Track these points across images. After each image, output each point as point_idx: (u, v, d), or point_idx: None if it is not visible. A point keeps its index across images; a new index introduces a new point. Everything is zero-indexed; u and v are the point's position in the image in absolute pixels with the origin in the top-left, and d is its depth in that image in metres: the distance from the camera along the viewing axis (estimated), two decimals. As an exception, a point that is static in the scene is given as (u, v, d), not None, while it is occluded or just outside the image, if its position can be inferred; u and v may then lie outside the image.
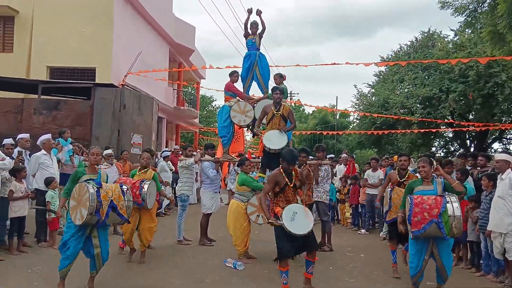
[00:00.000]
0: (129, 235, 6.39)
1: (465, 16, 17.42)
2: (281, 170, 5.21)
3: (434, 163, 5.29)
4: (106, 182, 5.16)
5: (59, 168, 8.02)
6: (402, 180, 6.10)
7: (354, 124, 33.35)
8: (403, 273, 6.11)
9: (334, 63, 12.61)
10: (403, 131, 21.64)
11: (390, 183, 6.41)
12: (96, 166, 5.20)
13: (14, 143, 7.35)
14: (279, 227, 4.97)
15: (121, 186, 5.13)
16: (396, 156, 10.28)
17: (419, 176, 5.41)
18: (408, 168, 6.38)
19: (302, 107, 53.30)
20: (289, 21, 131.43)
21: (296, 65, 13.12)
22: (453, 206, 4.79)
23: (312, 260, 5.16)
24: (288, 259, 5.19)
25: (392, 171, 6.92)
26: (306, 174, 6.81)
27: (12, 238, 6.58)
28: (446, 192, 5.13)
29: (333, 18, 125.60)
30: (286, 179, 5.18)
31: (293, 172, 5.26)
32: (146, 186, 6.17)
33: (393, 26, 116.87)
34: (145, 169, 6.56)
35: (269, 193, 5.26)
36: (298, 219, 4.95)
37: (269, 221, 5.05)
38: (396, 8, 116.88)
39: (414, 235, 4.94)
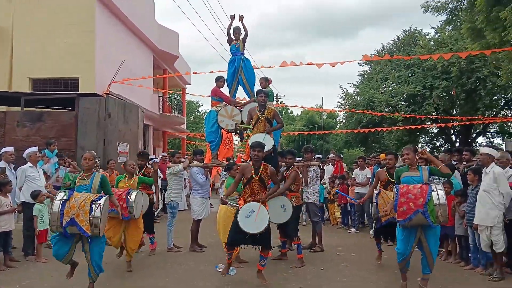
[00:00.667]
0: (117, 243, 6.40)
1: (445, 14, 17.75)
2: (251, 163, 5.57)
3: (418, 149, 5.36)
4: (102, 185, 5.13)
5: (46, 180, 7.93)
6: (392, 179, 6.08)
7: (341, 124, 33.58)
8: (395, 269, 6.17)
9: (319, 64, 12.69)
10: (389, 128, 21.87)
11: (379, 182, 6.46)
12: (89, 171, 5.15)
13: None
14: (235, 221, 5.37)
15: (94, 201, 4.87)
16: (383, 154, 10.38)
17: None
18: (395, 166, 6.43)
19: (289, 109, 53.55)
20: (272, 24, 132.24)
21: (281, 65, 13.09)
22: (438, 194, 4.85)
23: (264, 255, 5.55)
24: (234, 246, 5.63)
25: (380, 169, 6.96)
26: (294, 175, 6.85)
27: (-1, 253, 6.49)
28: (432, 178, 5.19)
29: (316, 20, 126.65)
30: (253, 172, 5.51)
31: (261, 167, 5.56)
32: (133, 198, 6.11)
33: (375, 27, 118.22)
34: (131, 176, 6.62)
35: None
36: (253, 218, 5.32)
37: (222, 199, 5.65)
38: (378, 9, 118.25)
39: (400, 224, 5.00)
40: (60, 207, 4.72)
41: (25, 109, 11.99)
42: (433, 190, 4.89)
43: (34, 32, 14.88)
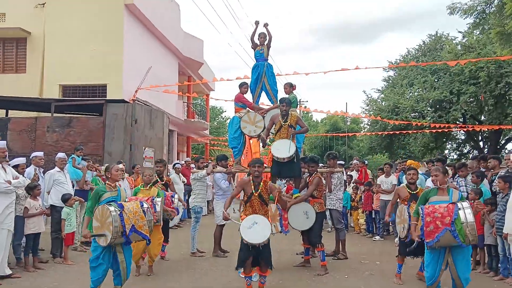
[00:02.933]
0: (140, 252, 6.31)
1: (473, 17, 17.36)
2: (251, 178, 5.39)
3: (449, 171, 5.15)
4: (125, 199, 5.20)
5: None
6: (415, 192, 5.92)
7: (365, 130, 33.18)
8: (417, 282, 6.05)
9: (343, 69, 12.64)
10: (415, 131, 21.44)
11: (399, 199, 6.17)
12: (116, 182, 5.23)
13: (25, 162, 7.43)
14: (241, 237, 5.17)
15: (142, 205, 5.12)
16: (410, 161, 10.19)
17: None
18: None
19: (311, 114, 53.24)
20: (292, 30, 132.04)
21: (308, 73, 13.13)
22: (465, 212, 4.72)
23: (262, 274, 5.34)
24: (248, 266, 5.30)
25: (400, 186, 6.63)
26: (317, 181, 6.82)
27: (28, 255, 6.67)
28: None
29: (336, 25, 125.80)
30: (253, 188, 5.33)
31: (261, 183, 5.37)
32: (159, 204, 6.23)
33: (396, 31, 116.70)
34: (149, 186, 6.63)
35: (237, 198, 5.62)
36: (256, 229, 5.11)
37: (224, 211, 5.27)
38: (399, 13, 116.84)
39: (428, 246, 4.86)
40: (120, 218, 4.78)
41: (55, 115, 12.35)
42: (459, 209, 4.77)
43: (64, 40, 15.36)
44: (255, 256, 5.20)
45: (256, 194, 5.33)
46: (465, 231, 4.67)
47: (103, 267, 4.92)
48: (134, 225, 4.87)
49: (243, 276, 5.36)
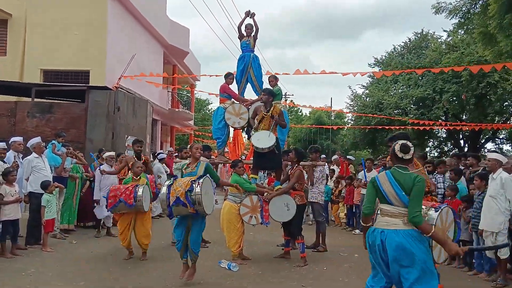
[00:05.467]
0: (126, 232, 6.60)
1: (458, 18, 17.54)
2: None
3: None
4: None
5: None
6: None
7: (349, 125, 33.43)
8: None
9: (332, 72, 12.68)
10: (397, 127, 21.71)
11: None
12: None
13: (6, 147, 7.30)
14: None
15: (194, 181, 5.27)
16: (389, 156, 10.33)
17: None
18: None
19: (298, 109, 53.36)
20: (276, 24, 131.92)
21: (294, 73, 13.02)
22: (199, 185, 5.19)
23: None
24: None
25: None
26: (298, 174, 6.86)
27: (5, 241, 6.56)
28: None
29: (319, 21, 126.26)
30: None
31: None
32: (140, 190, 6.40)
33: (378, 28, 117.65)
34: (137, 177, 6.74)
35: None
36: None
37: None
38: (380, 11, 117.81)
39: None
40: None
41: (35, 100, 12.10)
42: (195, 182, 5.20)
43: (46, 24, 15.02)
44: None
45: None
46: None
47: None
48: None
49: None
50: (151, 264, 6.42)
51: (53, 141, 8.44)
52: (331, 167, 12.01)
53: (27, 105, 11.76)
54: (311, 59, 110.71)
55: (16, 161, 7.45)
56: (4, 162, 6.88)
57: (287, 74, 14.41)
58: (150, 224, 6.92)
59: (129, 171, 7.00)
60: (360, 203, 9.89)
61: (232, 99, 8.10)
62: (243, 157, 11.94)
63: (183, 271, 5.52)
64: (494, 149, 22.75)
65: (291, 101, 37.03)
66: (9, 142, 7.72)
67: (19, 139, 7.82)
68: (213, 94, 21.58)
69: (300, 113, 54.42)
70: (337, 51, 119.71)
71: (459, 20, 17.42)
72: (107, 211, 7.56)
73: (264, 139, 6.87)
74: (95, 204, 8.43)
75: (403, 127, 21.64)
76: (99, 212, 8.41)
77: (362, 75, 12.63)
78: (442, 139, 28.12)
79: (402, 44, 26.52)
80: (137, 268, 6.19)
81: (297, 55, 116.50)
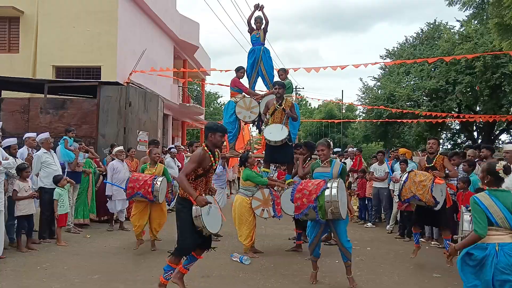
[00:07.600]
0: (140, 217, 6.81)
1: (472, 9, 17.25)
2: (206, 149, 4.52)
3: (331, 143, 5.47)
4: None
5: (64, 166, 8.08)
6: (430, 165, 6.15)
7: (360, 118, 33.23)
8: (411, 264, 6.13)
9: (342, 66, 12.60)
10: (409, 120, 21.52)
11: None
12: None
13: (17, 142, 7.35)
14: (186, 218, 4.46)
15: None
16: (402, 149, 10.25)
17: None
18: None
19: (308, 102, 53.18)
20: (285, 18, 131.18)
21: (306, 69, 13.00)
22: (331, 192, 4.93)
23: (199, 257, 4.84)
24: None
25: (422, 157, 7.11)
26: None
27: (20, 236, 6.67)
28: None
29: (328, 14, 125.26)
30: (212, 160, 4.55)
31: (216, 153, 4.64)
32: (158, 183, 6.59)
33: (387, 20, 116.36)
34: (155, 164, 6.98)
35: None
36: (213, 214, 4.50)
37: (197, 199, 4.28)
38: (389, 3, 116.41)
39: (297, 217, 5.40)
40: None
41: (48, 96, 12.22)
42: (327, 188, 4.98)
43: (58, 20, 15.13)
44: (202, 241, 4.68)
45: (214, 168, 4.74)
46: (326, 209, 4.91)
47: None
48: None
49: (169, 265, 4.79)
50: (163, 257, 6.45)
51: (65, 137, 8.51)
52: (343, 161, 11.94)
53: (40, 101, 11.88)
54: (320, 53, 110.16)
55: (31, 154, 7.53)
56: (16, 158, 6.95)
57: (296, 68, 14.38)
58: (166, 213, 7.12)
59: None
60: (372, 196, 9.85)
61: (243, 93, 8.08)
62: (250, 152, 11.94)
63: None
64: (509, 141, 22.41)
65: (299, 95, 36.89)
66: (23, 138, 7.82)
67: (33, 135, 7.91)
68: (222, 85, 21.58)
69: (310, 106, 54.24)
70: (347, 44, 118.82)
71: (472, 11, 17.15)
72: (126, 200, 7.79)
73: (276, 132, 6.84)
74: (108, 199, 8.52)
75: (415, 120, 21.46)
76: (112, 207, 8.50)
77: (373, 65, 12.52)
78: (455, 131, 27.79)
79: (414, 35, 26.25)
80: (150, 261, 6.24)
81: (306, 48, 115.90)
